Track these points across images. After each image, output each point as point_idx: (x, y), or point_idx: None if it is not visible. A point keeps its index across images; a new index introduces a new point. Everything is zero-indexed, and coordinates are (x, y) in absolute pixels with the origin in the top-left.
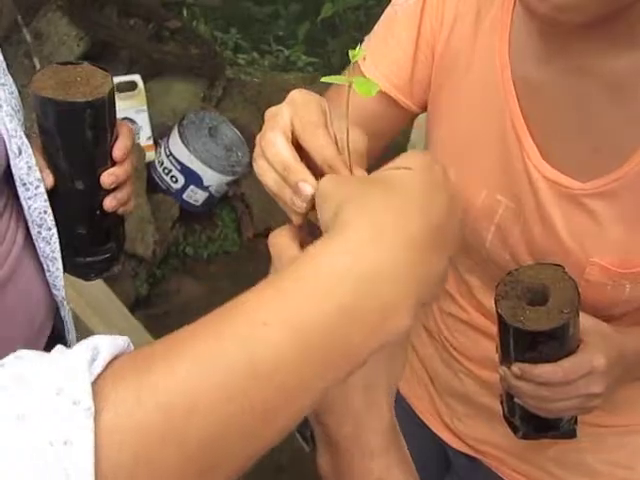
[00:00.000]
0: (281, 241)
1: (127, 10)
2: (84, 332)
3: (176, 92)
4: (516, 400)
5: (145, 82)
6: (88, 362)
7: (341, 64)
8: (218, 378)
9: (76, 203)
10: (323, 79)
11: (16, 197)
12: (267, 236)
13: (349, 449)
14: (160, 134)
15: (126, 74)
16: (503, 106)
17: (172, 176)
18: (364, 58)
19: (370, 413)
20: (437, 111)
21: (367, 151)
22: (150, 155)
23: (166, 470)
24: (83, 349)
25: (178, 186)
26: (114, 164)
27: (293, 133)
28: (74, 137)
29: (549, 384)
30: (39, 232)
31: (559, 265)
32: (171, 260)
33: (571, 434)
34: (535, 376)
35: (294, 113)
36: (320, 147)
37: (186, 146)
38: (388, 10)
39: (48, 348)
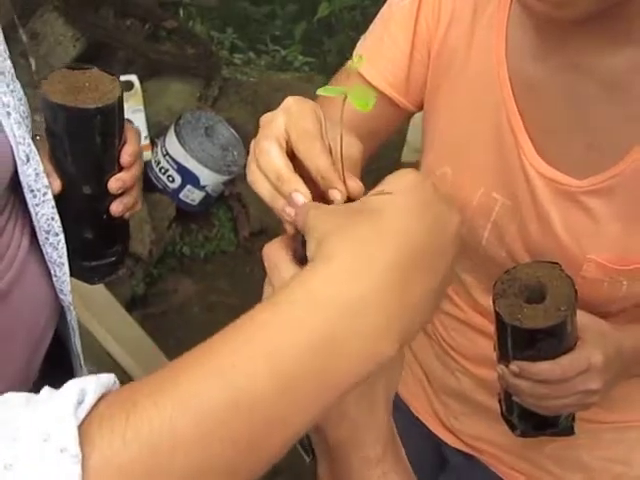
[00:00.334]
0: (275, 252)
1: (123, 10)
2: (81, 332)
3: (172, 92)
4: (514, 398)
5: (142, 82)
6: (74, 406)
7: (338, 64)
8: (201, 415)
9: (83, 208)
10: (318, 91)
11: (22, 202)
12: (264, 235)
13: (346, 457)
14: (157, 134)
15: (123, 74)
16: (499, 104)
17: (169, 176)
18: (360, 56)
19: (367, 420)
20: (433, 109)
21: (362, 153)
22: (147, 155)
23: None
24: (70, 393)
25: (175, 186)
26: (121, 169)
27: (288, 142)
28: (83, 143)
29: (547, 382)
30: (46, 238)
31: (556, 263)
32: (168, 259)
33: (569, 431)
34: (533, 374)
35: (289, 122)
36: (314, 158)
37: (182, 146)
38: (384, 9)
39: (51, 352)
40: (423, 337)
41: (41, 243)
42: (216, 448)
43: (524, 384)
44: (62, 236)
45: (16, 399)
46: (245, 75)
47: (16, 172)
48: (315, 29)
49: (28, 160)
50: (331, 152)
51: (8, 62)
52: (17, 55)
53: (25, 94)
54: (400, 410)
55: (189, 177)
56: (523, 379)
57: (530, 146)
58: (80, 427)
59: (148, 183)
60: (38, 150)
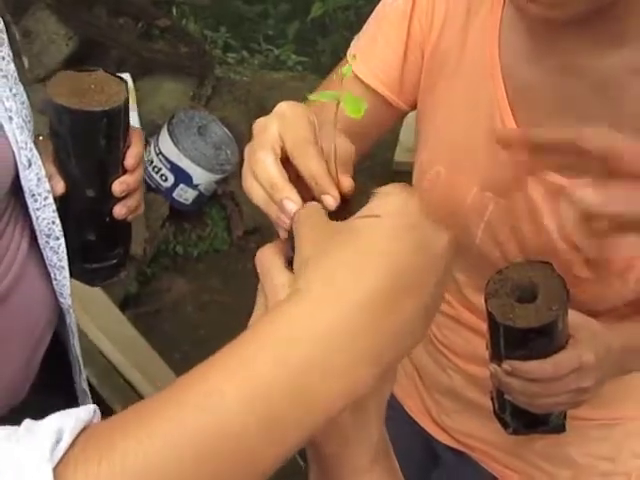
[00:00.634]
0: (267, 258)
1: (116, 9)
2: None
3: (165, 91)
4: (506, 396)
5: (135, 81)
6: (51, 449)
7: (331, 63)
8: (180, 452)
9: (86, 210)
10: (311, 97)
11: (22, 205)
12: (257, 234)
13: (336, 466)
14: (150, 133)
15: (115, 73)
16: (493, 105)
17: (162, 175)
18: (354, 56)
19: (358, 431)
20: (427, 110)
21: (354, 154)
22: None
23: None
24: (48, 433)
25: (168, 185)
26: (125, 171)
27: (282, 148)
28: (88, 145)
29: (539, 380)
30: (47, 242)
31: (547, 262)
32: (161, 259)
33: (560, 429)
34: (525, 373)
35: (283, 128)
36: (308, 164)
37: (175, 145)
38: (378, 9)
39: (49, 354)
40: None
41: (41, 247)
42: None
43: (516, 383)
44: (63, 240)
45: None
46: (238, 74)
47: (17, 176)
48: (308, 29)
49: (30, 165)
50: (323, 151)
51: (12, 65)
52: None
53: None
54: (392, 407)
55: (182, 176)
56: (515, 378)
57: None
58: (55, 469)
59: None
60: (40, 154)
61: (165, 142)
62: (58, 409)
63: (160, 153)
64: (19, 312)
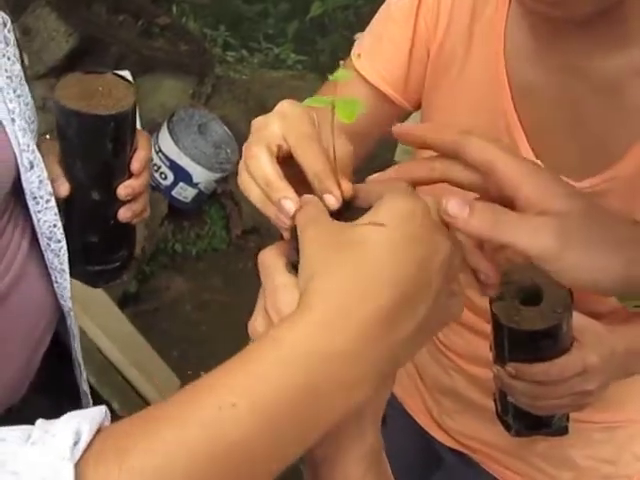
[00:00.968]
0: (269, 260)
1: (116, 6)
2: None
3: (165, 89)
4: (509, 398)
5: (134, 78)
6: (71, 448)
7: (330, 62)
8: (192, 458)
9: (90, 212)
10: (306, 102)
11: (23, 206)
12: (256, 233)
13: (328, 474)
14: (149, 131)
15: (115, 70)
16: (497, 106)
17: (161, 173)
18: (359, 55)
19: (352, 440)
20: (431, 110)
21: (358, 151)
22: None
23: None
24: (66, 435)
25: (167, 183)
26: (131, 175)
27: (280, 147)
28: (95, 149)
29: (543, 383)
30: (48, 244)
31: None
32: (160, 257)
33: (563, 431)
34: (529, 375)
35: (287, 126)
36: (313, 161)
37: (175, 143)
38: (383, 7)
39: (49, 356)
40: None
41: (43, 249)
42: None
43: (520, 385)
44: (64, 243)
45: (13, 437)
46: (238, 73)
47: (19, 178)
48: (308, 28)
49: (32, 167)
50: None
51: (17, 66)
52: None
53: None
54: (393, 408)
55: (182, 174)
56: (519, 380)
57: (527, 148)
58: (76, 466)
59: None
60: (46, 155)
61: (165, 140)
62: (58, 409)
63: (160, 151)
64: (19, 312)
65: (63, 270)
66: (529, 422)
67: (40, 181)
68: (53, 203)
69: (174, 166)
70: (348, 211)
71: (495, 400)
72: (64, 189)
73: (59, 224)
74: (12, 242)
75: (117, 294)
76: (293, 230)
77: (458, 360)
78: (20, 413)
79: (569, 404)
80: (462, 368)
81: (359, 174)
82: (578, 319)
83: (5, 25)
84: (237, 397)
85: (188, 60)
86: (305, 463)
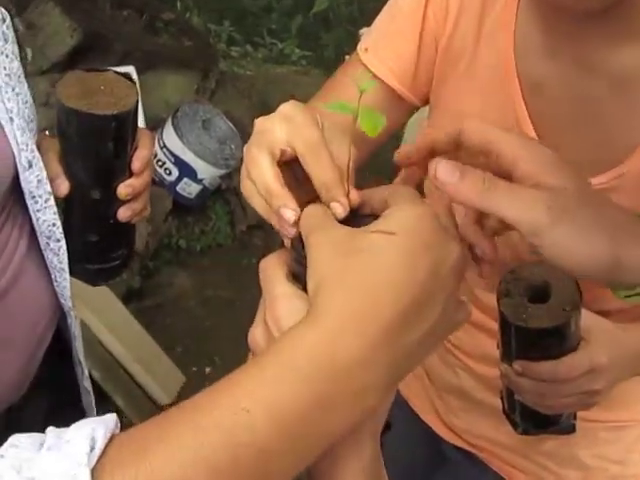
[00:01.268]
0: (270, 268)
1: (120, 2)
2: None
3: (169, 84)
4: (516, 396)
5: (138, 74)
6: (87, 455)
7: (334, 57)
8: (208, 464)
9: (90, 211)
10: (328, 107)
11: (22, 205)
12: (260, 229)
13: None
14: (154, 126)
15: (119, 66)
16: (507, 101)
17: (166, 168)
18: (366, 49)
19: (350, 453)
20: (439, 104)
21: (362, 149)
22: None
23: None
24: (81, 442)
25: (172, 178)
26: (132, 174)
27: (284, 152)
28: (96, 148)
29: (550, 381)
30: (47, 243)
31: None
32: (164, 253)
33: (570, 429)
34: (536, 373)
35: (294, 132)
36: (322, 171)
37: (180, 138)
38: (390, 1)
39: (50, 354)
40: None
41: (42, 248)
42: None
43: (527, 383)
44: (63, 242)
45: (26, 443)
46: (242, 68)
47: (17, 177)
48: (312, 23)
49: (30, 166)
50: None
51: (16, 63)
52: None
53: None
54: (399, 407)
55: (186, 170)
56: (526, 378)
57: None
58: (93, 470)
59: None
60: (46, 152)
61: (169, 136)
62: (59, 407)
63: (164, 147)
64: (18, 311)
65: (63, 269)
66: (536, 420)
67: (39, 180)
68: (52, 202)
69: (178, 162)
70: (352, 217)
71: (502, 398)
72: (64, 188)
73: (58, 223)
74: (10, 240)
75: (121, 290)
76: (294, 240)
77: (465, 359)
78: (21, 412)
79: (576, 403)
80: (469, 367)
81: (360, 172)
82: (587, 317)
83: (4, 21)
84: (252, 404)
85: (192, 55)
86: (304, 476)
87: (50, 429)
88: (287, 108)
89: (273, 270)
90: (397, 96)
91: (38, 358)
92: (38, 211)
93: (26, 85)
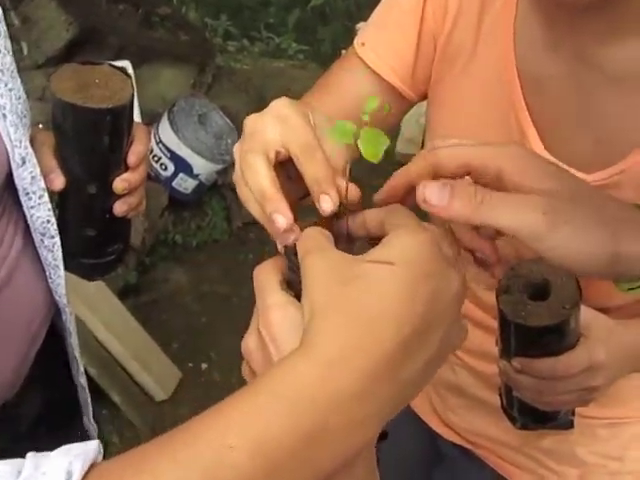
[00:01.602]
0: (263, 276)
1: None
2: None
3: (166, 79)
4: (515, 393)
5: (134, 68)
6: None
7: (331, 52)
8: None
9: (86, 206)
10: (330, 133)
11: (16, 202)
12: (256, 225)
13: None
14: (149, 121)
15: (115, 60)
16: (506, 98)
17: (162, 164)
18: (362, 44)
19: (339, 475)
20: (437, 101)
21: (348, 159)
22: None
23: None
24: (57, 474)
25: (167, 174)
26: (127, 168)
27: (278, 153)
28: (91, 142)
29: (549, 378)
30: (42, 240)
31: None
32: (160, 248)
33: (568, 425)
34: (535, 371)
35: (288, 134)
36: (315, 170)
37: (176, 133)
38: None
39: (44, 351)
40: None
41: (36, 245)
42: None
43: (525, 380)
44: (58, 239)
45: (2, 471)
46: (239, 62)
47: (11, 174)
48: (309, 17)
49: (24, 163)
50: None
51: (8, 58)
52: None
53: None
54: None
55: (182, 165)
56: (525, 375)
57: (538, 140)
58: None
59: None
60: (37, 148)
61: (165, 130)
62: (53, 404)
63: (160, 142)
64: (13, 308)
65: (57, 266)
66: (534, 416)
67: (32, 177)
68: (46, 199)
69: (174, 157)
70: (348, 240)
71: (500, 394)
72: (59, 182)
73: (53, 220)
74: (6, 236)
75: (117, 285)
76: (287, 248)
77: (463, 356)
78: (16, 408)
79: (575, 399)
80: (467, 364)
81: (358, 166)
82: (586, 313)
83: None
84: (238, 439)
85: (188, 50)
86: None
87: (30, 455)
88: (279, 107)
89: (267, 277)
90: (397, 93)
91: (32, 355)
92: (32, 208)
93: (19, 80)
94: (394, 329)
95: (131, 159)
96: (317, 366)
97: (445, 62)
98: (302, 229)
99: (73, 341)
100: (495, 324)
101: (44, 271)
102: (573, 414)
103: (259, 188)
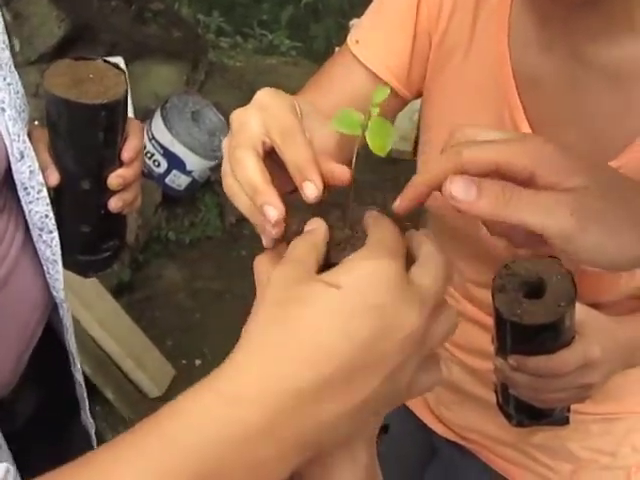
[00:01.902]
0: (261, 267)
1: None
2: None
3: (158, 75)
4: (510, 390)
5: (127, 65)
6: None
7: (324, 48)
8: None
9: (81, 202)
10: (334, 126)
11: (16, 198)
12: (250, 221)
13: None
14: (142, 118)
15: (108, 56)
16: (501, 95)
17: (155, 160)
18: (356, 41)
19: (343, 465)
20: (432, 99)
21: (339, 144)
22: None
23: None
24: None
25: (161, 170)
26: (122, 164)
27: (264, 143)
28: (85, 138)
29: (545, 376)
30: (40, 235)
31: (555, 257)
32: (153, 245)
33: (564, 422)
34: (531, 368)
35: (269, 119)
36: (296, 153)
37: (169, 130)
38: None
39: (40, 347)
40: None
41: (34, 240)
42: None
43: (521, 377)
44: (56, 234)
45: None
46: (232, 59)
47: (10, 168)
48: (302, 14)
49: (22, 157)
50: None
51: (7, 53)
52: None
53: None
54: None
55: (175, 162)
56: (520, 373)
57: None
58: None
59: None
60: (35, 142)
61: (158, 127)
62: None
63: (153, 138)
64: (13, 304)
65: (55, 261)
66: (530, 413)
67: (31, 172)
68: (45, 194)
69: (167, 154)
70: (350, 240)
71: (496, 391)
72: (54, 178)
73: (51, 215)
74: (7, 233)
75: (111, 282)
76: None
77: (456, 351)
78: (13, 405)
79: (571, 396)
80: (460, 360)
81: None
82: (580, 310)
83: None
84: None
85: (181, 46)
86: None
87: None
88: (261, 97)
89: (265, 268)
90: (392, 91)
91: (29, 351)
92: (30, 202)
93: (17, 75)
94: (318, 363)
95: (125, 155)
96: (221, 399)
97: (440, 60)
98: (292, 226)
99: (70, 337)
100: (488, 321)
101: (42, 267)
102: (568, 411)
103: (249, 182)
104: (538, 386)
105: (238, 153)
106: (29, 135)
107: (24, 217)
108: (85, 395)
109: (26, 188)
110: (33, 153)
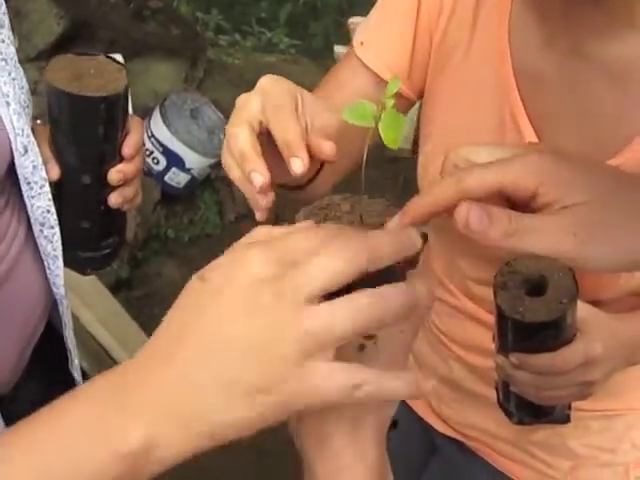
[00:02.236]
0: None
1: None
2: None
3: (157, 73)
4: (512, 388)
5: (126, 62)
6: None
7: (323, 46)
8: None
9: (81, 197)
10: (345, 117)
11: (18, 193)
12: (249, 219)
13: None
14: (141, 115)
15: (107, 54)
16: (502, 93)
17: (154, 158)
18: (361, 43)
19: (353, 460)
20: (433, 99)
21: (358, 145)
22: None
23: None
24: None
25: (160, 168)
26: (122, 159)
27: (261, 123)
28: (86, 132)
29: (546, 373)
30: (41, 230)
31: None
32: (152, 243)
33: (565, 419)
34: (532, 366)
35: (266, 101)
36: (284, 128)
37: (168, 127)
38: None
39: (40, 343)
40: None
41: (36, 235)
42: None
43: (523, 375)
44: (57, 229)
45: None
46: (230, 57)
47: (13, 163)
48: (301, 12)
49: (26, 151)
50: (307, 127)
51: (12, 48)
52: None
53: None
54: None
55: (174, 159)
56: (522, 370)
57: (533, 135)
58: None
59: None
60: (36, 138)
61: (157, 125)
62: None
63: (152, 136)
64: (15, 299)
65: (56, 257)
66: (531, 411)
67: (34, 166)
68: (47, 189)
69: (166, 151)
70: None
71: (497, 389)
72: (55, 172)
73: (53, 210)
74: (10, 227)
75: (110, 280)
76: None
77: (457, 349)
78: (13, 402)
79: (572, 394)
80: (461, 357)
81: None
82: (582, 308)
83: (0, 7)
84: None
85: (180, 44)
86: None
87: None
88: (264, 81)
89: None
90: (396, 92)
91: (30, 348)
92: (33, 197)
93: (22, 70)
94: (186, 361)
95: (126, 150)
96: (98, 404)
97: (441, 59)
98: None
99: (69, 332)
100: (489, 318)
101: (43, 263)
102: (569, 408)
103: (240, 151)
104: (539, 384)
105: (234, 129)
106: (32, 132)
107: (26, 213)
108: None
109: (29, 183)
110: (37, 148)
